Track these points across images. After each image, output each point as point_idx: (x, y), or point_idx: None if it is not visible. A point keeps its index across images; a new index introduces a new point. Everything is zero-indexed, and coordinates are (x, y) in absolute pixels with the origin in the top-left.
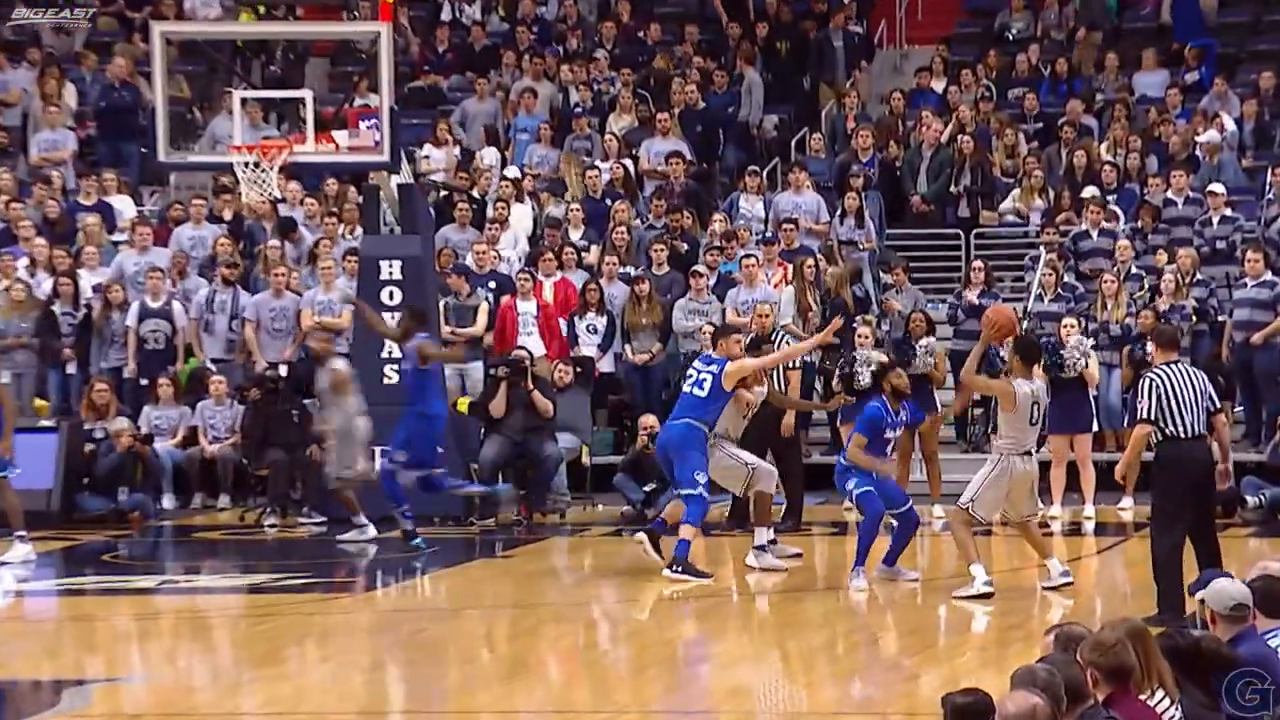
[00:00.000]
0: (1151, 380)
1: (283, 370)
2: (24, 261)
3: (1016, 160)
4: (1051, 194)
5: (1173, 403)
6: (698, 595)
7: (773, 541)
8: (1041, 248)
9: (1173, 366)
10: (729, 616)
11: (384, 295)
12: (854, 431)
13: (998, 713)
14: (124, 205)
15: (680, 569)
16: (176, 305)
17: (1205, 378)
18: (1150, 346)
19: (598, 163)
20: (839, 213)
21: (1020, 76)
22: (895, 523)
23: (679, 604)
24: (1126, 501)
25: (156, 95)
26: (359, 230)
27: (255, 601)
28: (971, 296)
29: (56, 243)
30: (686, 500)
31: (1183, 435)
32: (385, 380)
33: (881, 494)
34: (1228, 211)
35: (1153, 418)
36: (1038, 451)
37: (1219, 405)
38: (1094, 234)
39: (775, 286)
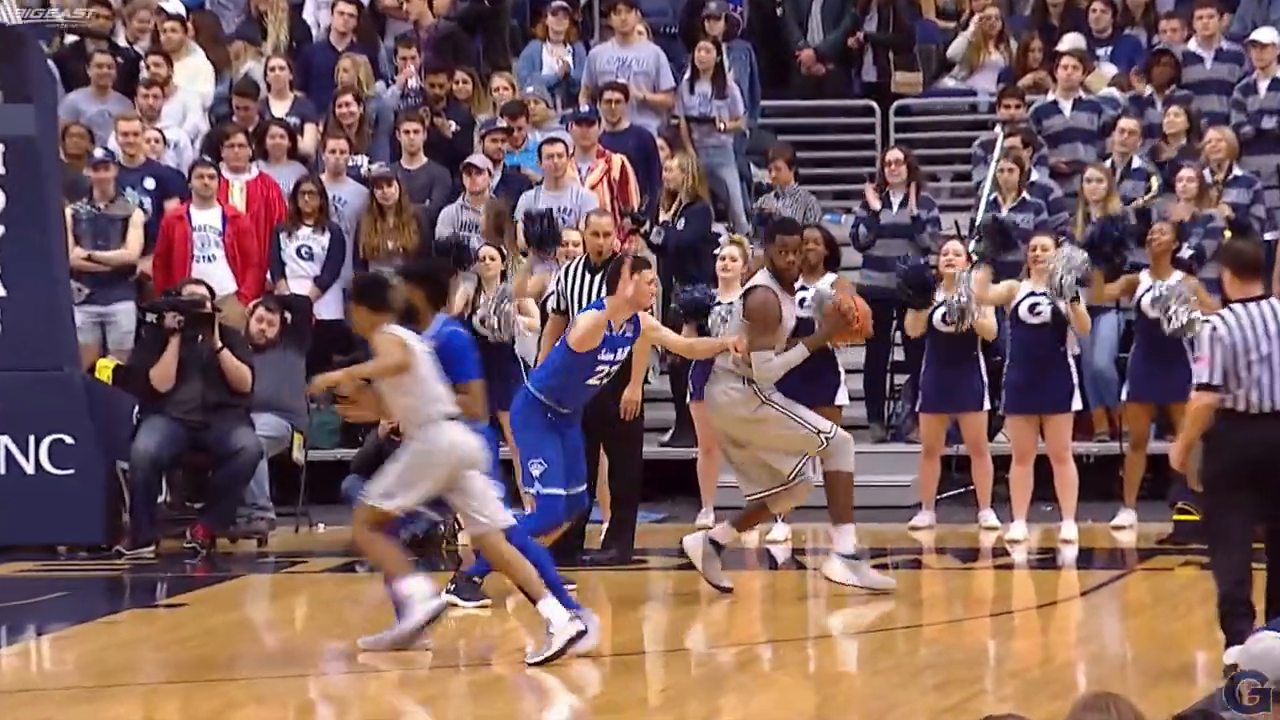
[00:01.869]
0: (1215, 329)
1: None
2: None
3: None
4: (1013, 46)
5: (1241, 360)
6: (471, 661)
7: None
8: (997, 129)
9: (1250, 307)
10: (516, 691)
11: None
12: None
13: None
14: None
15: (459, 589)
16: None
17: None
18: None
19: None
20: (688, 75)
21: None
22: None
23: (447, 675)
24: (1125, 516)
25: None
26: None
27: None
28: (886, 204)
29: None
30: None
31: (1245, 408)
32: None
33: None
34: None
35: (1218, 382)
36: (991, 439)
37: None
38: (1066, 107)
39: (593, 188)
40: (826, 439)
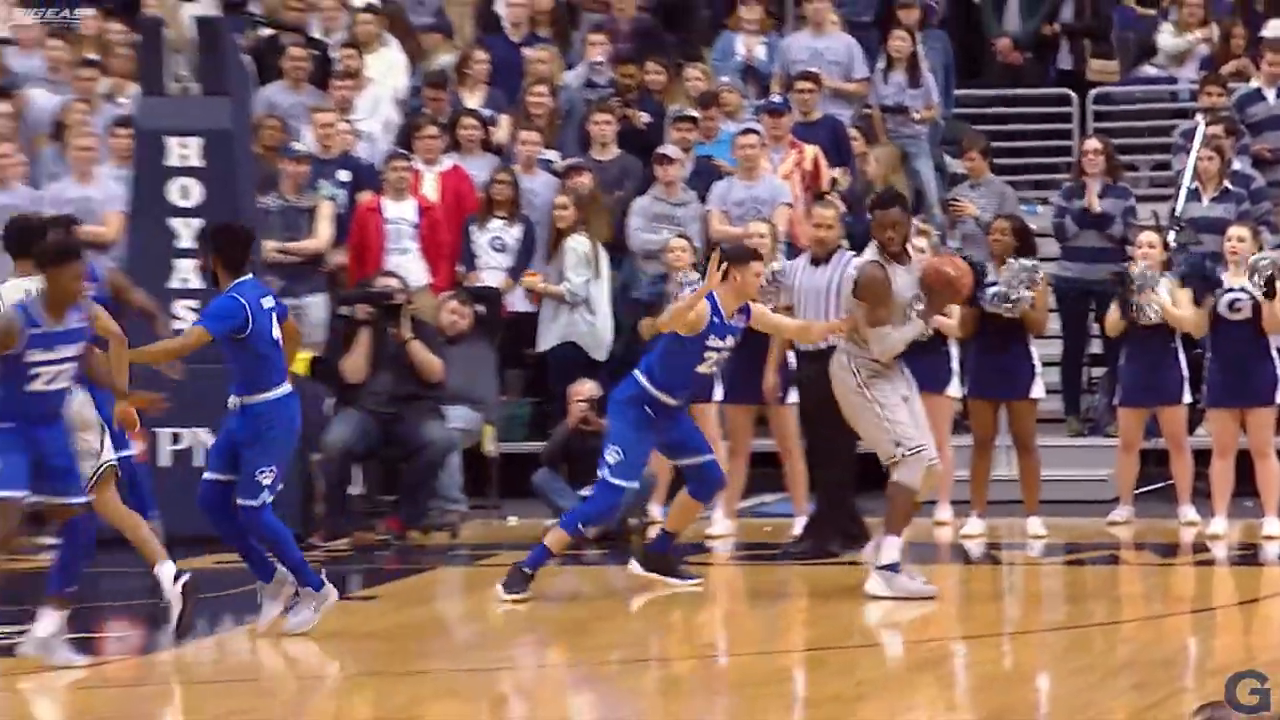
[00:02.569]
0: None
1: None
2: None
3: None
4: (1215, 32)
5: None
6: (664, 656)
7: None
8: (1198, 117)
9: None
10: (710, 686)
11: (174, 190)
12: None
13: None
14: None
15: (514, 589)
16: None
17: None
18: None
19: None
20: (882, 64)
21: None
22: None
23: (638, 669)
24: None
25: None
26: (133, 89)
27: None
28: (1089, 195)
29: None
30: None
31: None
32: (175, 324)
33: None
34: None
35: None
36: (1191, 433)
37: None
38: (1270, 94)
39: (785, 178)
40: (903, 455)
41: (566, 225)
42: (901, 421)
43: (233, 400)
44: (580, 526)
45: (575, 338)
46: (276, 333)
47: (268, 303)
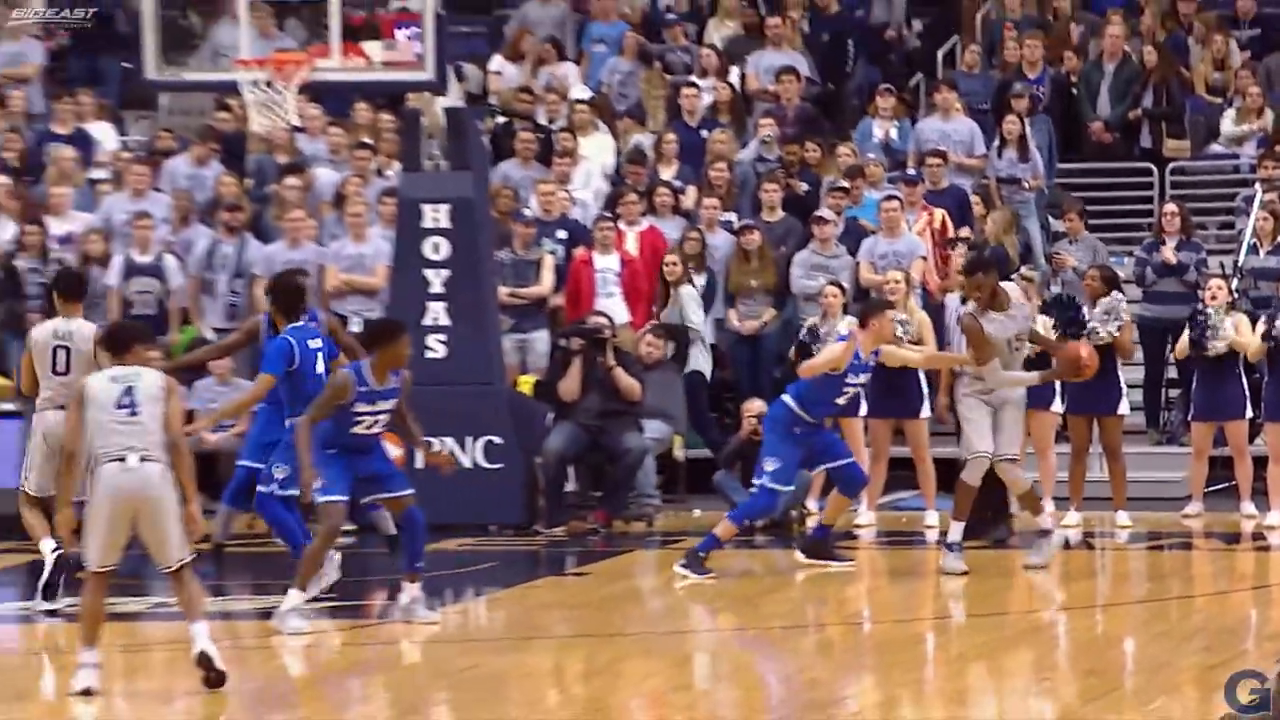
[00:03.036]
0: None
1: None
2: None
3: (1226, 74)
4: (1270, 117)
5: None
6: (818, 623)
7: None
8: (1257, 186)
9: None
10: (857, 648)
11: (427, 247)
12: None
13: None
14: (103, 134)
15: (691, 568)
16: (169, 260)
17: None
18: None
19: (694, 81)
20: (997, 143)
21: None
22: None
23: (797, 634)
24: None
25: None
26: (396, 166)
27: (269, 629)
28: (1166, 250)
29: (19, 180)
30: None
31: None
32: (428, 353)
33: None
34: None
35: None
36: (1251, 442)
37: None
38: None
39: (919, 234)
40: (967, 457)
41: (676, 278)
42: (976, 431)
43: (288, 421)
44: (744, 521)
45: (702, 366)
46: (321, 368)
47: (315, 344)
